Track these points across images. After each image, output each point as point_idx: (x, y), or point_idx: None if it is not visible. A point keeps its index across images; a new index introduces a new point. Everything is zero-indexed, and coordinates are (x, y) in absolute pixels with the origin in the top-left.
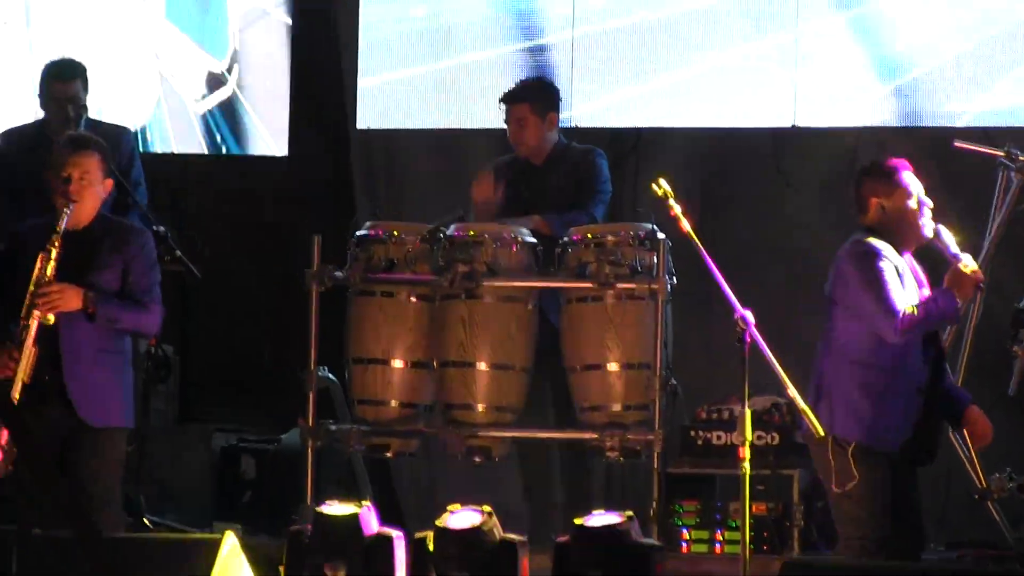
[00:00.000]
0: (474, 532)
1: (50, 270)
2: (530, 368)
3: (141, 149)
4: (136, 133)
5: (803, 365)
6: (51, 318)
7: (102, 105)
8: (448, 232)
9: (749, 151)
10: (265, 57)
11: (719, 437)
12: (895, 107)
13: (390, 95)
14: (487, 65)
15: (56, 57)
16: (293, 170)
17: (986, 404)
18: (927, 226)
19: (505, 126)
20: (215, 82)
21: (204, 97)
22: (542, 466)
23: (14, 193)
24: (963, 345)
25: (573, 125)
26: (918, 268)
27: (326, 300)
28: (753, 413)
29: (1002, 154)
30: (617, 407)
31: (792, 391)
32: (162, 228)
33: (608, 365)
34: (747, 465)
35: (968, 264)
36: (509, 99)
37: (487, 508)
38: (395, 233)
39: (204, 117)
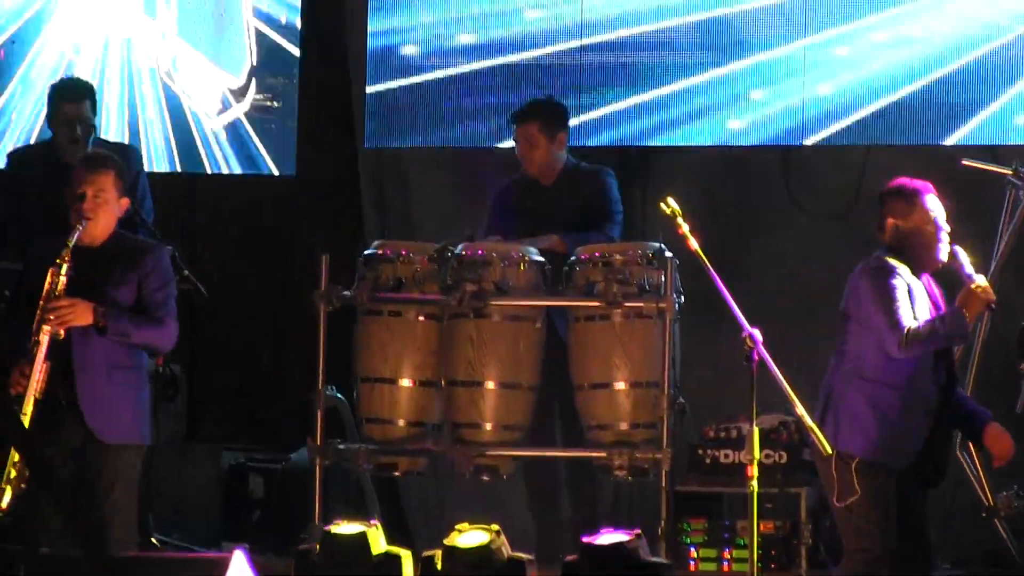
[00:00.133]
0: (482, 551)
1: (60, 285)
2: (538, 387)
3: (148, 168)
4: (140, 152)
5: (811, 384)
6: (62, 332)
7: (109, 124)
8: (456, 251)
9: (758, 169)
10: (275, 76)
11: (727, 455)
12: (902, 125)
13: (398, 113)
14: (495, 81)
15: (63, 76)
16: (301, 189)
17: None
18: (943, 251)
19: (514, 144)
20: (231, 98)
21: (219, 113)
22: (549, 484)
23: (23, 214)
24: (971, 361)
25: (581, 143)
26: (936, 290)
27: (335, 319)
28: (761, 431)
29: (1010, 172)
30: (625, 426)
31: (800, 409)
32: (169, 247)
33: (616, 384)
34: (755, 483)
35: (981, 284)
36: (518, 118)
37: (495, 527)
38: (403, 252)
39: (215, 135)
